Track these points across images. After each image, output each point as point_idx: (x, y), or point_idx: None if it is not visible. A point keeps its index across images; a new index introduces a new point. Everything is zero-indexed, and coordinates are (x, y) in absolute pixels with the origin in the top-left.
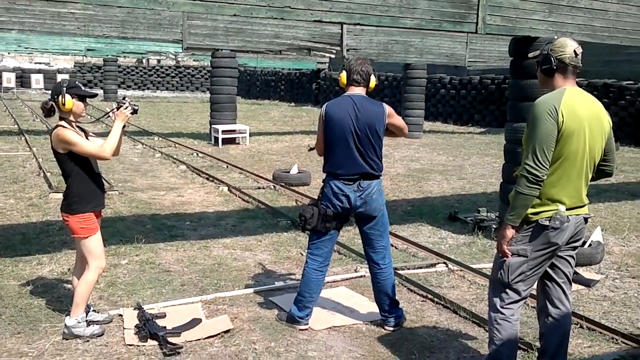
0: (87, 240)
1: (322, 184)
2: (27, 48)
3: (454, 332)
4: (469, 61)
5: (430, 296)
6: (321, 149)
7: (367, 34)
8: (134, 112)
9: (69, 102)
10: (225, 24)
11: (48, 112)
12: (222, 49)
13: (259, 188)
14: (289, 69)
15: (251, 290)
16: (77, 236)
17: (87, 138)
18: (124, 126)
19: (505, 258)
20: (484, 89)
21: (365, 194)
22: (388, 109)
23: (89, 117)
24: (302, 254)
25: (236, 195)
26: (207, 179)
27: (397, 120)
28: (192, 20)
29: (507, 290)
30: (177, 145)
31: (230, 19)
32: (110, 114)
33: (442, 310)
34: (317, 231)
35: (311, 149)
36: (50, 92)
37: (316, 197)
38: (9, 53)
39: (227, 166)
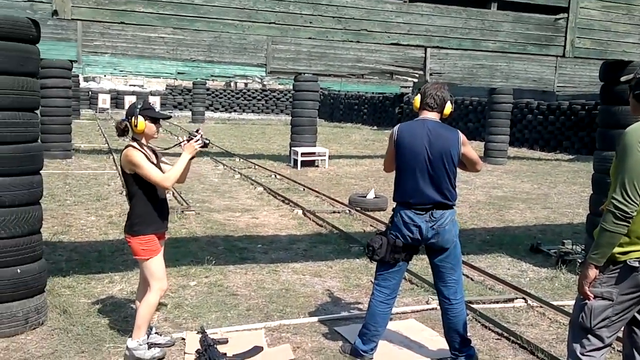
0: (148, 262)
1: (392, 212)
2: (121, 71)
3: None
4: (558, 86)
5: (505, 334)
6: (389, 167)
7: (452, 57)
8: (205, 145)
9: (142, 123)
10: (309, 48)
11: (122, 131)
12: (304, 73)
13: (334, 212)
14: (372, 93)
15: (316, 318)
16: (138, 258)
17: (157, 161)
18: (192, 157)
19: (587, 300)
20: (573, 115)
21: (438, 225)
22: (462, 136)
23: (160, 146)
24: (372, 282)
25: (310, 219)
26: (283, 201)
27: (471, 151)
28: (276, 44)
29: (589, 336)
30: (256, 166)
31: (312, 43)
32: (182, 144)
33: (518, 350)
34: (385, 262)
35: None
36: (126, 112)
37: (385, 226)
38: (105, 75)
39: (304, 189)
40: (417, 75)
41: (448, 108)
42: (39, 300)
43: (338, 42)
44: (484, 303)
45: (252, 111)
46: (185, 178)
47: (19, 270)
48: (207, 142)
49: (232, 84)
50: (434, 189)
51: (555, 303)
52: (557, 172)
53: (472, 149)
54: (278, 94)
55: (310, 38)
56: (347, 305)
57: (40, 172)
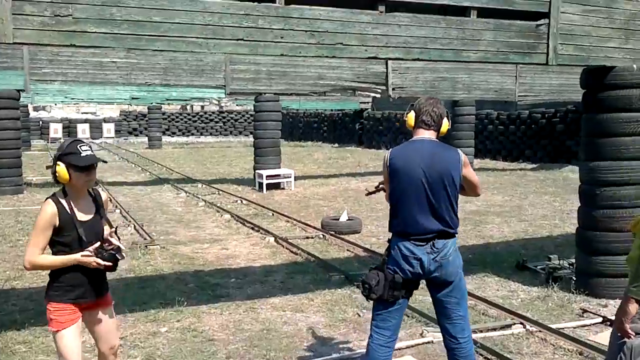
0: (57, 336)
1: (388, 244)
2: (73, 98)
3: None
4: (519, 95)
5: None
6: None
7: (413, 71)
8: (111, 263)
9: (63, 172)
10: (268, 67)
11: (55, 179)
12: (265, 93)
13: (307, 237)
14: (332, 110)
15: None
16: (49, 327)
17: (98, 214)
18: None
19: (626, 339)
20: (534, 124)
21: (441, 256)
22: (463, 156)
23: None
24: (359, 315)
25: (283, 247)
26: (253, 228)
27: (472, 173)
28: (235, 64)
29: None
30: (220, 192)
31: (273, 61)
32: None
33: None
34: (384, 301)
35: (370, 193)
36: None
37: (381, 259)
38: (56, 104)
39: (273, 214)
40: (379, 91)
41: (445, 125)
42: None
43: (312, 57)
44: (481, 331)
45: (210, 134)
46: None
47: None
48: (119, 259)
49: (189, 107)
50: (434, 217)
51: (554, 326)
52: (524, 182)
53: (472, 170)
54: (236, 115)
55: (282, 55)
56: (335, 344)
57: None
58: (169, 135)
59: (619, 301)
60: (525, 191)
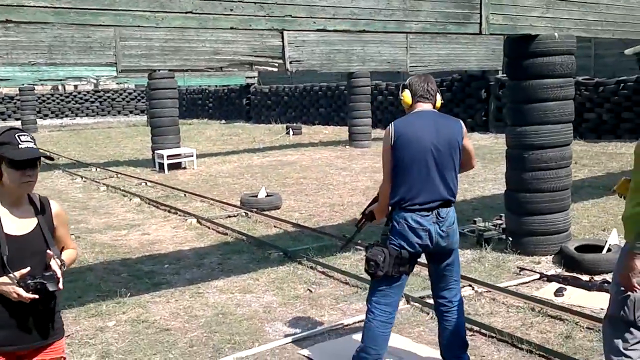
0: None
1: (388, 219)
2: None
3: None
4: (410, 66)
5: (476, 328)
6: (389, 181)
7: (309, 44)
8: (37, 296)
9: None
10: (161, 43)
11: None
12: (159, 70)
13: (229, 216)
14: (216, 86)
15: (275, 344)
16: None
17: (43, 221)
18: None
19: (629, 293)
20: None
21: (447, 226)
22: (464, 126)
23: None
24: (310, 291)
25: (209, 228)
26: (169, 211)
27: (469, 144)
28: (125, 40)
29: (632, 329)
30: (119, 175)
31: (165, 36)
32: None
33: (499, 345)
34: (389, 277)
35: (360, 226)
36: None
37: (381, 236)
38: None
39: (185, 195)
40: (276, 65)
41: (439, 101)
42: None
43: (262, 30)
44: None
45: (86, 115)
46: None
47: None
48: (46, 290)
49: (60, 87)
50: (441, 184)
51: (501, 285)
52: None
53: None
54: (113, 94)
55: (232, 28)
56: (296, 321)
57: None
58: (40, 118)
59: (550, 257)
60: None
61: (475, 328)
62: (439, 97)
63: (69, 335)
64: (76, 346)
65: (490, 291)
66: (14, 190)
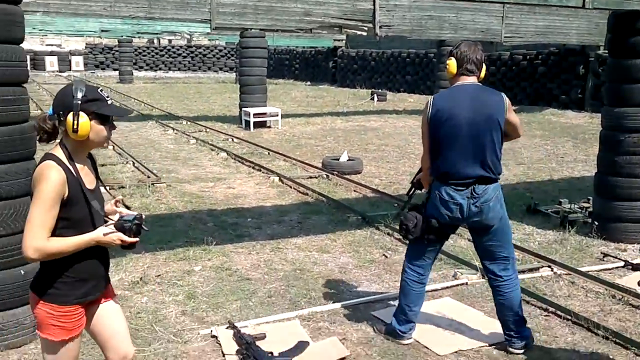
0: (57, 347)
1: (429, 189)
2: (41, 30)
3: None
4: (505, 37)
5: (552, 309)
6: (428, 159)
7: (400, 9)
8: (131, 246)
9: (85, 124)
10: (255, 2)
11: (48, 136)
12: (251, 29)
13: (310, 177)
14: (304, 47)
15: (347, 303)
16: (42, 335)
17: (95, 185)
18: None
19: None
20: (514, 65)
21: (481, 202)
22: (507, 100)
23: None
24: (385, 256)
25: (290, 187)
26: (253, 167)
27: (515, 116)
28: None
29: None
30: (207, 130)
31: None
32: (106, 222)
33: (574, 328)
34: (421, 241)
35: (412, 184)
36: (52, 104)
37: (420, 203)
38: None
39: (269, 153)
40: (365, 29)
41: (484, 70)
42: None
43: None
44: None
45: (178, 69)
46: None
47: (22, 272)
48: (143, 231)
49: (156, 40)
50: (477, 162)
51: (582, 269)
52: None
53: (514, 112)
54: (204, 50)
55: None
56: (369, 284)
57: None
58: (136, 69)
59: (638, 246)
60: None
61: (551, 309)
62: (484, 68)
63: (159, 275)
64: (165, 286)
65: (570, 274)
66: (95, 145)
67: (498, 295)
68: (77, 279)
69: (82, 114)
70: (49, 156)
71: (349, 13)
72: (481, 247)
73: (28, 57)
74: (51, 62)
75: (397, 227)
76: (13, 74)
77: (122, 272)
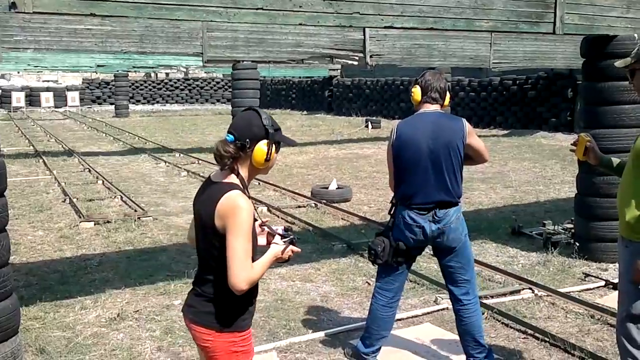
0: None
1: (391, 214)
2: (36, 66)
3: None
4: (493, 62)
5: (530, 331)
6: (393, 182)
7: (390, 39)
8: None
9: (274, 154)
10: (246, 35)
11: (232, 161)
12: (243, 60)
13: (299, 207)
14: (300, 77)
15: (326, 332)
16: None
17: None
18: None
19: None
20: (505, 90)
21: (443, 224)
22: (468, 125)
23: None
24: (368, 283)
25: (278, 217)
26: None
27: (477, 140)
28: (212, 32)
29: None
30: (200, 161)
31: (250, 28)
32: (272, 233)
33: (551, 350)
34: (389, 265)
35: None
36: (233, 130)
37: (386, 227)
38: (18, 72)
39: (259, 183)
40: (357, 58)
41: (447, 98)
42: (14, 343)
43: (329, 27)
44: (492, 297)
45: (176, 102)
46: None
47: None
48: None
49: (153, 74)
50: (438, 187)
51: (563, 290)
52: (500, 149)
53: (477, 137)
54: (202, 83)
55: (300, 24)
56: (351, 312)
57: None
58: (133, 103)
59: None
60: (504, 157)
61: (529, 331)
62: (447, 95)
63: (137, 311)
64: (143, 321)
65: (550, 295)
66: (263, 173)
67: (459, 320)
68: (250, 303)
69: (266, 142)
70: (233, 186)
71: (340, 43)
72: (444, 269)
73: (24, 93)
74: (47, 98)
75: (367, 253)
76: None
77: (99, 309)
